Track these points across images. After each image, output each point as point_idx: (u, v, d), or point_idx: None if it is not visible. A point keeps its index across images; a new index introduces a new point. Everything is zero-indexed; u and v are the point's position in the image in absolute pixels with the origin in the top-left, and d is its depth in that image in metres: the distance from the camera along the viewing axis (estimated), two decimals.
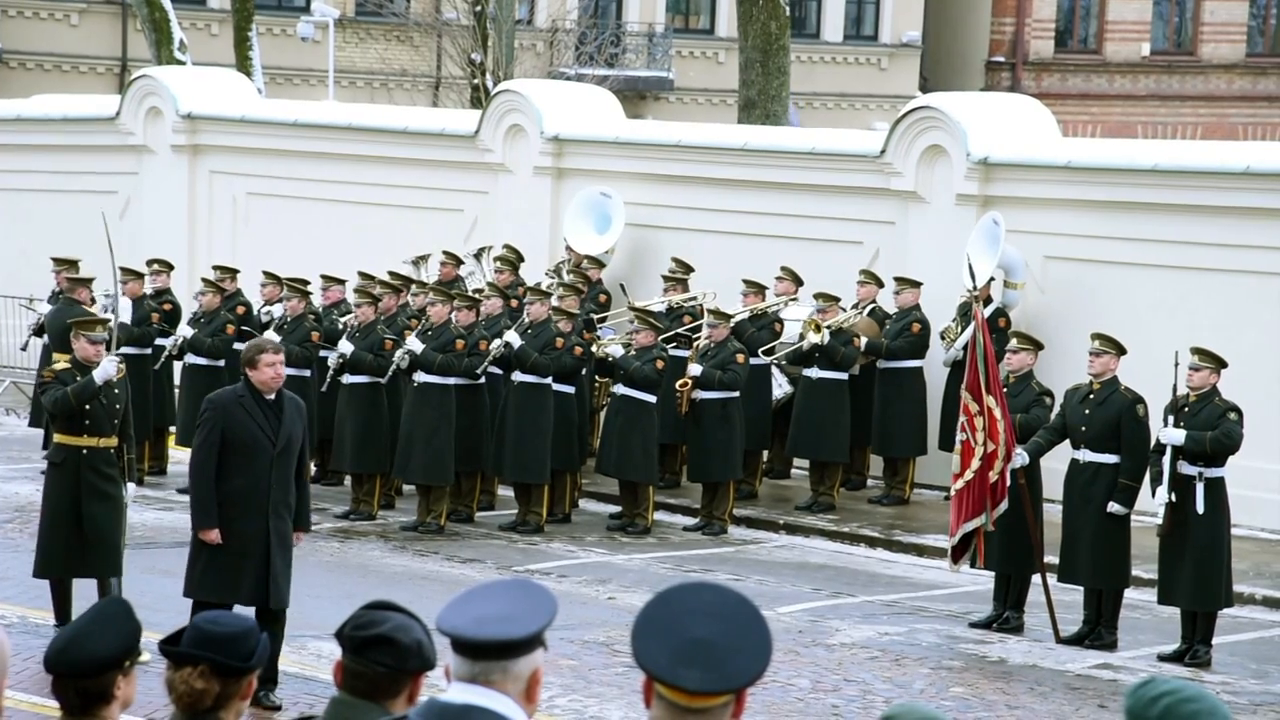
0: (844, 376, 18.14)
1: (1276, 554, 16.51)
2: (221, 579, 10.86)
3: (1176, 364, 13.31)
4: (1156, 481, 13.21)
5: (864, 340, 18.17)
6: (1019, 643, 13.66)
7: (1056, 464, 14.15)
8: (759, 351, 18.13)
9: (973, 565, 13.76)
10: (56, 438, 12.38)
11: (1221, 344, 14.01)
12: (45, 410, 13.12)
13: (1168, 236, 18.00)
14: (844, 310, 18.39)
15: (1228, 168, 17.88)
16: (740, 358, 17.43)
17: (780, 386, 18.68)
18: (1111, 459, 13.51)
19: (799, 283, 18.91)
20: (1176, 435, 13.09)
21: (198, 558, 11.02)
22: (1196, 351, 13.46)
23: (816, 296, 18.30)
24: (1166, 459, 13.12)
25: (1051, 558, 13.84)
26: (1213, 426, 13.11)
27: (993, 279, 18.11)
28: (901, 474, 18.55)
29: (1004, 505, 13.49)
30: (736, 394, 17.39)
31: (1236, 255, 17.64)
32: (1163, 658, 13.18)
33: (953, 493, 13.82)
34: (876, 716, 3.65)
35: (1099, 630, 13.56)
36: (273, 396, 10.78)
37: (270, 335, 17.26)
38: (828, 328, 17.93)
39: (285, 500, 10.86)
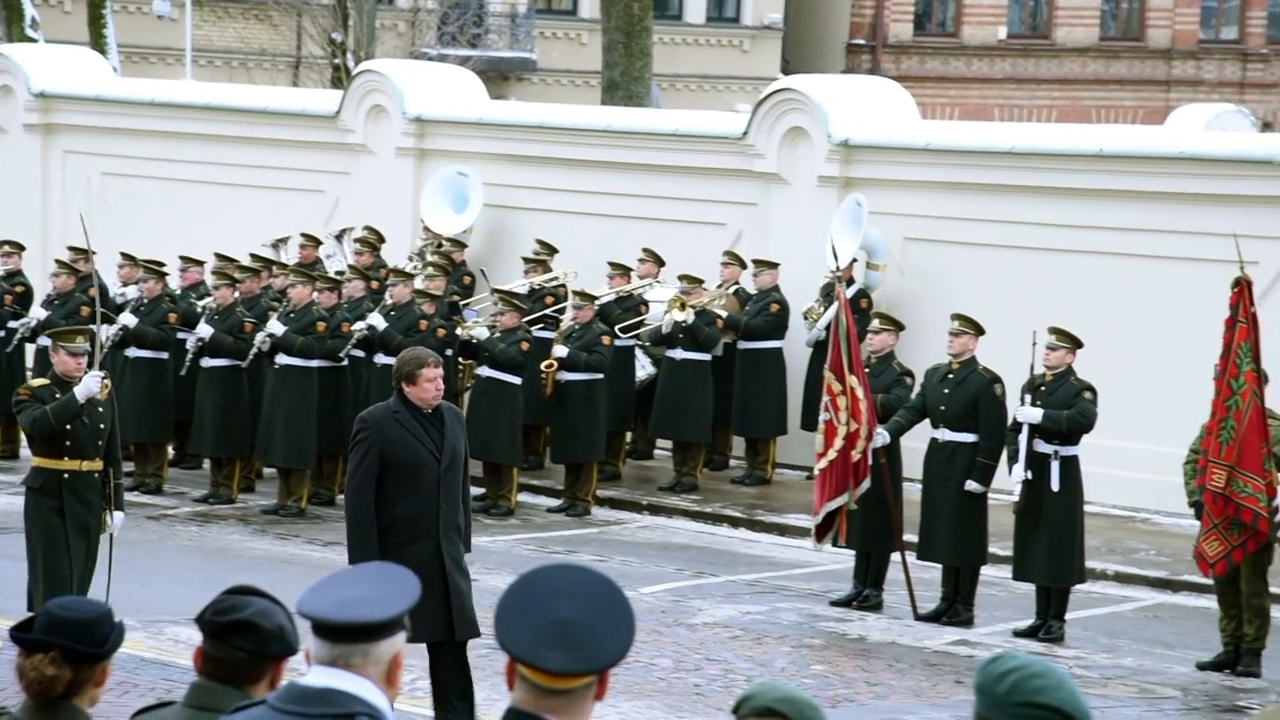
0: (706, 357, 18.22)
1: (1128, 530, 16.81)
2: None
3: (1034, 344, 13.50)
4: (1013, 460, 13.40)
5: (725, 316, 18.27)
6: (878, 620, 13.80)
7: (916, 443, 14.31)
8: (621, 332, 18.16)
9: (836, 544, 13.89)
10: (35, 461, 11.26)
11: (1077, 324, 14.22)
12: (23, 431, 11.96)
13: (1024, 218, 18.23)
14: (707, 291, 18.48)
15: (1081, 150, 18.15)
16: (606, 339, 17.47)
17: (643, 368, 18.74)
18: (970, 438, 13.68)
19: (661, 264, 18.97)
20: (1033, 414, 13.28)
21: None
22: (1053, 331, 13.66)
23: (680, 278, 18.37)
24: (1023, 437, 13.31)
25: (910, 536, 14.00)
26: (1068, 405, 13.31)
27: (855, 260, 18.26)
28: (763, 454, 18.67)
29: (866, 484, 13.63)
30: (601, 375, 17.43)
31: (1091, 236, 17.90)
32: (1018, 633, 13.38)
33: (816, 472, 13.94)
34: (737, 695, 3.69)
35: (956, 607, 13.73)
36: (430, 410, 9.82)
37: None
38: (692, 308, 18.00)
39: (455, 521, 9.84)
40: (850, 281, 17.74)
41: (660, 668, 12.15)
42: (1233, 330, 12.37)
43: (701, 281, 18.38)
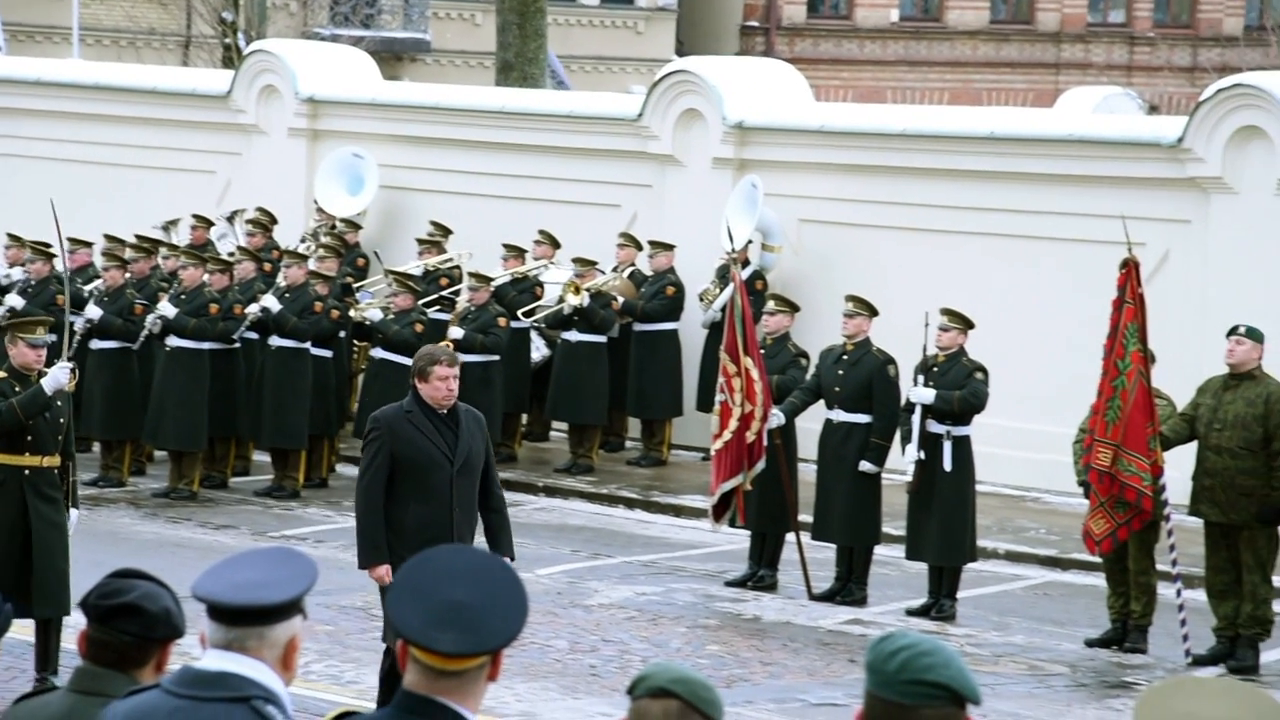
0: (602, 339, 18.23)
1: (1018, 510, 16.99)
2: None
3: (926, 325, 13.60)
4: (906, 440, 13.50)
5: (621, 301, 18.29)
6: (773, 600, 13.88)
7: (811, 424, 14.38)
8: (519, 314, 18.13)
9: (733, 524, 13.95)
10: None
11: (969, 305, 14.34)
12: None
13: (917, 200, 18.36)
14: (603, 273, 18.48)
15: (973, 132, 18.28)
16: (501, 321, 17.44)
17: (539, 350, 18.72)
18: (864, 419, 13.77)
19: (556, 245, 18.94)
20: (926, 394, 13.39)
21: (385, 604, 9.19)
22: (945, 312, 13.76)
23: (575, 260, 18.36)
24: (916, 418, 13.41)
25: (805, 516, 14.08)
26: (960, 386, 13.42)
27: (751, 242, 18.32)
28: (659, 435, 18.70)
29: (761, 464, 13.69)
30: (497, 357, 17.40)
31: (982, 218, 18.05)
32: (910, 612, 13.49)
33: (712, 453, 13.99)
34: (633, 676, 3.72)
35: (850, 586, 13.83)
36: (444, 410, 9.53)
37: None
38: (587, 290, 18.00)
39: (470, 525, 9.54)
40: (746, 263, 17.80)
41: (556, 649, 12.15)
42: (1120, 311, 12.51)
43: (596, 264, 18.38)
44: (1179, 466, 12.84)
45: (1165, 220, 16.93)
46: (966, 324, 13.71)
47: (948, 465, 13.37)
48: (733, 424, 13.65)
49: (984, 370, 13.53)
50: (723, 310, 16.15)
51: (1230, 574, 12.43)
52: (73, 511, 10.76)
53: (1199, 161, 17.01)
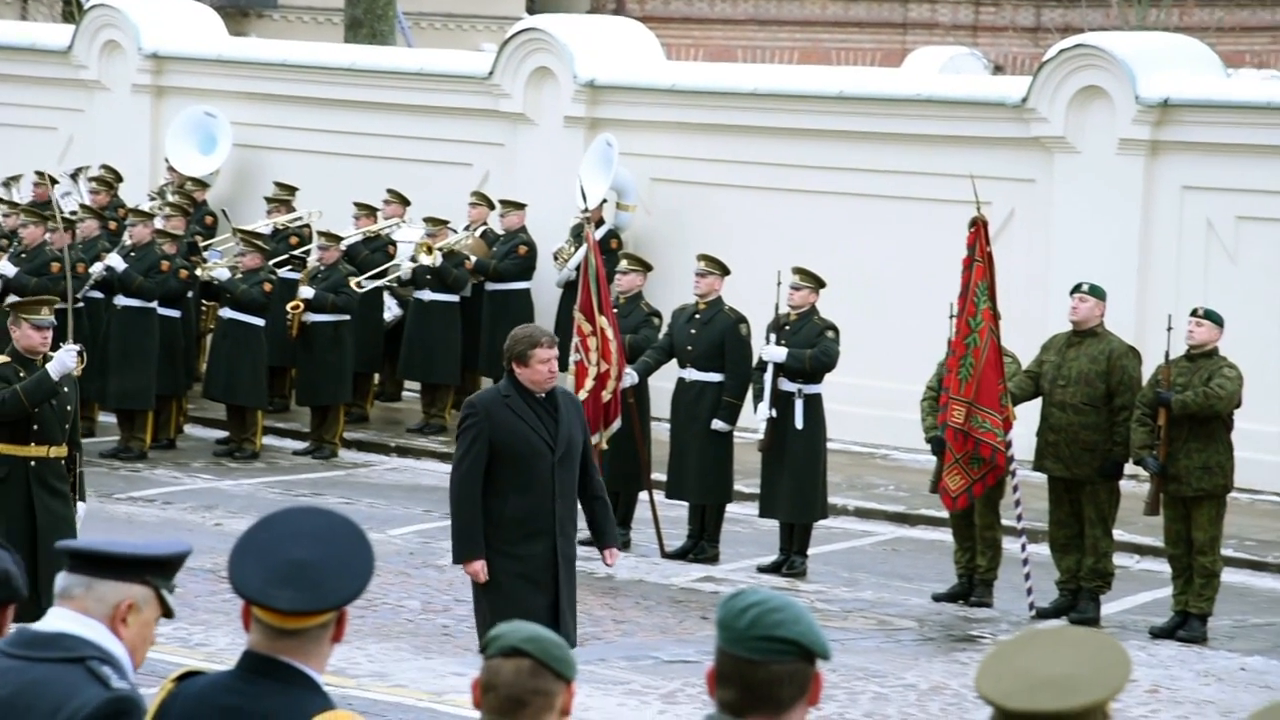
0: (455, 299, 18.16)
1: (867, 466, 17.16)
2: (514, 618, 9.07)
3: (778, 284, 13.67)
4: (758, 398, 13.58)
5: (474, 260, 18.22)
6: (626, 558, 13.90)
7: (664, 383, 14.43)
8: (362, 282, 17.99)
9: None
10: None
11: (820, 264, 14.43)
12: None
13: (768, 159, 18.43)
14: (454, 232, 18.39)
15: (823, 91, 18.38)
16: (352, 281, 17.32)
17: (391, 309, 18.61)
18: (716, 377, 13.83)
19: (406, 204, 18.82)
20: (778, 353, 13.47)
21: (480, 601, 9.04)
22: (797, 271, 13.84)
23: (426, 220, 18.26)
24: (768, 376, 13.49)
25: (658, 475, 14.13)
26: (812, 344, 13.52)
27: (605, 201, 18.31)
28: None
29: (617, 424, 13.71)
30: (348, 317, 17.28)
31: (832, 177, 18.16)
32: (761, 569, 13.59)
33: None
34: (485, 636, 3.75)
35: (702, 544, 13.90)
36: (543, 393, 8.97)
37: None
38: (439, 250, 17.91)
39: (571, 516, 9.00)
40: (600, 222, 17.79)
41: (408, 609, 12.12)
42: (970, 270, 12.65)
43: (447, 223, 18.28)
44: (1024, 423, 13.03)
45: (1010, 179, 17.13)
46: (818, 283, 13.80)
47: (799, 423, 13.47)
48: (589, 383, 13.66)
49: (835, 329, 13.63)
50: (577, 270, 16.14)
51: (1073, 528, 12.64)
52: (80, 505, 10.07)
53: (1043, 121, 17.22)
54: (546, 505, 8.85)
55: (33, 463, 9.87)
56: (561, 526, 8.86)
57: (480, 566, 8.89)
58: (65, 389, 9.94)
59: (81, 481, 10.10)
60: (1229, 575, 12.72)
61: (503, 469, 8.83)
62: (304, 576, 3.67)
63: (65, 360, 9.92)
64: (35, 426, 9.87)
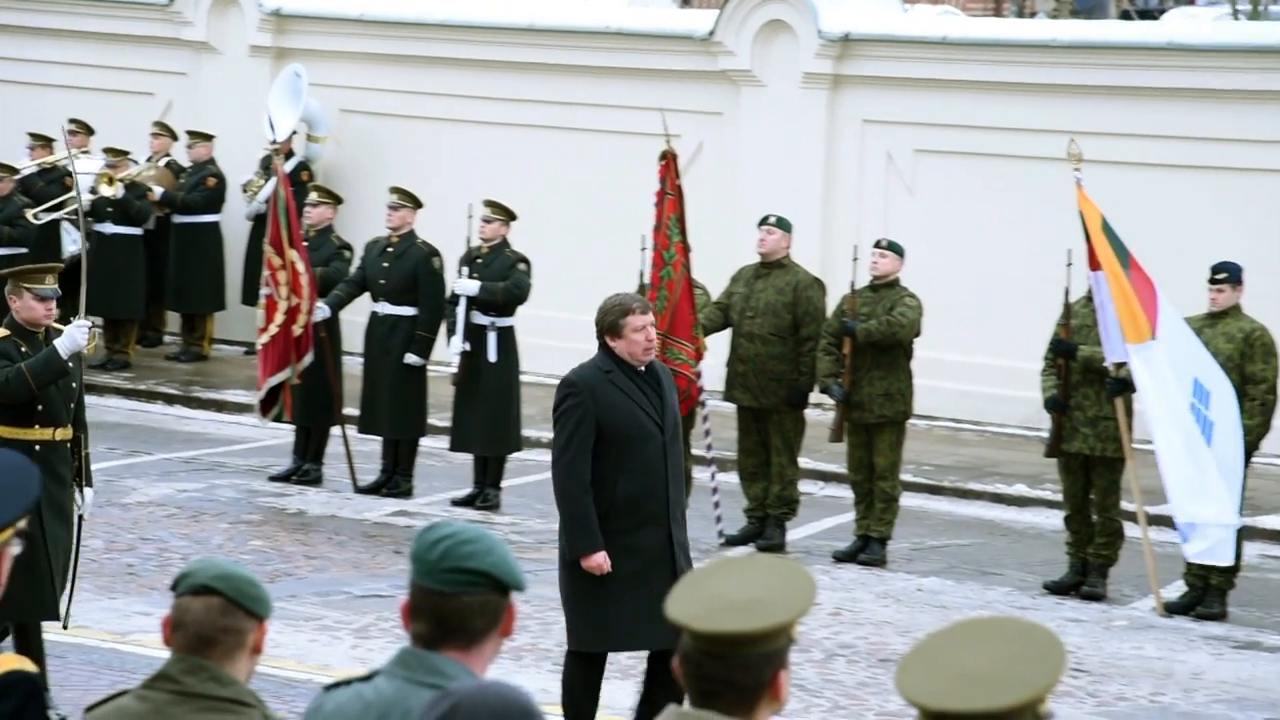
0: (138, 231, 17.75)
1: None
2: (632, 616, 7.93)
3: (469, 217, 13.64)
4: (451, 332, 13.56)
5: (159, 192, 17.83)
6: (318, 494, 13.82)
7: (356, 316, 14.31)
8: (45, 211, 17.48)
9: (280, 419, 13.82)
10: None
11: (512, 197, 14.41)
12: None
13: (460, 91, 18.36)
14: (136, 163, 17.96)
15: (513, 24, 18.29)
16: (29, 214, 16.81)
17: (74, 242, 18.11)
18: (409, 311, 13.76)
19: (90, 133, 18.32)
20: (470, 286, 13.45)
21: (585, 596, 8.15)
22: (489, 204, 13.82)
23: (106, 150, 17.79)
24: (460, 309, 13.47)
25: (351, 409, 14.03)
26: (504, 277, 13.53)
27: (295, 132, 18.04)
28: (200, 330, 18.36)
29: (309, 358, 13.57)
30: (25, 250, 16.76)
31: (523, 109, 18.14)
32: (455, 502, 13.61)
33: (259, 347, 13.81)
34: (174, 573, 3.68)
35: (396, 478, 13.86)
36: (644, 367, 8.19)
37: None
38: (120, 181, 17.48)
39: (682, 501, 8.26)
40: (289, 155, 17.52)
41: (91, 549, 11.84)
42: (662, 203, 12.78)
43: (128, 154, 17.85)
44: (714, 353, 13.23)
45: (698, 113, 17.32)
46: (509, 215, 13.80)
47: (492, 356, 13.48)
48: (279, 318, 13.49)
49: (527, 261, 13.66)
50: (267, 202, 15.90)
51: (760, 456, 12.89)
52: (87, 491, 9.15)
53: (729, 55, 17.44)
54: (659, 490, 8.09)
55: (37, 447, 8.90)
56: (675, 513, 8.13)
57: (602, 559, 8.04)
58: (71, 365, 9.00)
59: (87, 465, 9.19)
60: (907, 499, 13.12)
61: (609, 452, 8.05)
62: None
63: (76, 336, 8.96)
64: (40, 407, 8.96)
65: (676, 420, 8.17)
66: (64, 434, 9.04)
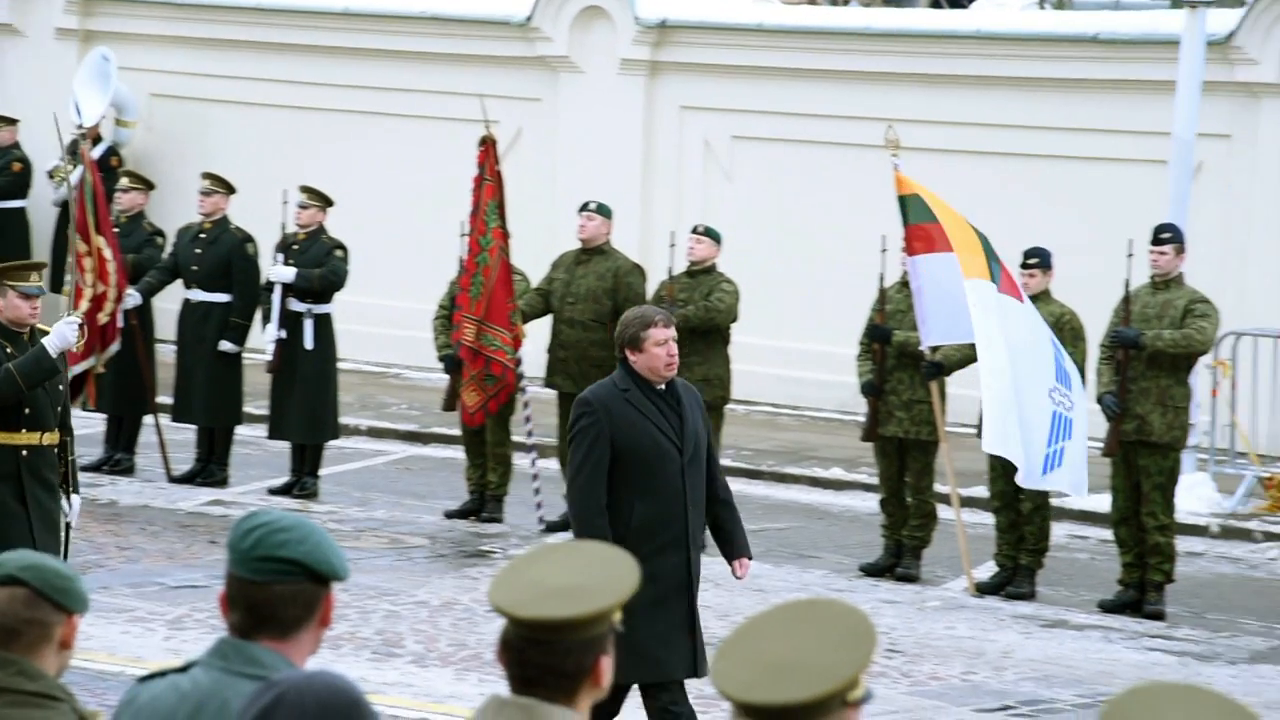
0: None
1: (380, 386, 17.16)
2: (651, 646, 7.51)
3: (285, 202, 13.50)
4: (266, 318, 13.41)
5: None
6: (130, 484, 13.61)
7: (169, 304, 14.11)
8: None
9: (85, 408, 13.56)
10: None
11: (328, 182, 14.28)
12: None
13: (274, 75, 18.17)
14: None
15: (328, 8, 18.14)
16: None
17: None
18: (223, 298, 13.59)
19: None
20: (286, 273, 13.31)
21: None
22: (304, 190, 13.69)
23: None
24: (276, 296, 13.33)
25: (165, 398, 13.83)
26: (320, 264, 13.41)
27: (104, 117, 17.73)
28: None
29: (115, 347, 13.35)
30: None
31: (341, 95, 17.99)
32: (272, 491, 13.47)
33: None
34: None
35: (210, 467, 13.69)
36: (664, 385, 7.79)
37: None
38: None
39: (701, 524, 7.86)
40: (98, 139, 17.23)
41: None
42: (481, 189, 12.73)
43: None
44: (534, 340, 13.21)
45: (517, 98, 17.29)
46: (326, 201, 13.67)
47: (309, 343, 13.36)
48: (84, 305, 13.25)
49: (344, 248, 13.54)
50: (75, 188, 15.59)
51: None
52: (74, 498, 8.83)
53: (547, 40, 17.42)
54: (677, 513, 7.71)
55: (24, 452, 8.61)
56: (694, 538, 7.78)
57: None
58: (59, 368, 8.76)
59: (74, 470, 8.87)
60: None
61: (625, 473, 7.69)
62: None
63: (66, 335, 8.71)
64: (27, 410, 8.60)
65: (698, 441, 7.78)
66: (51, 439, 8.71)
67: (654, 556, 7.51)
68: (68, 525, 8.83)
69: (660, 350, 7.71)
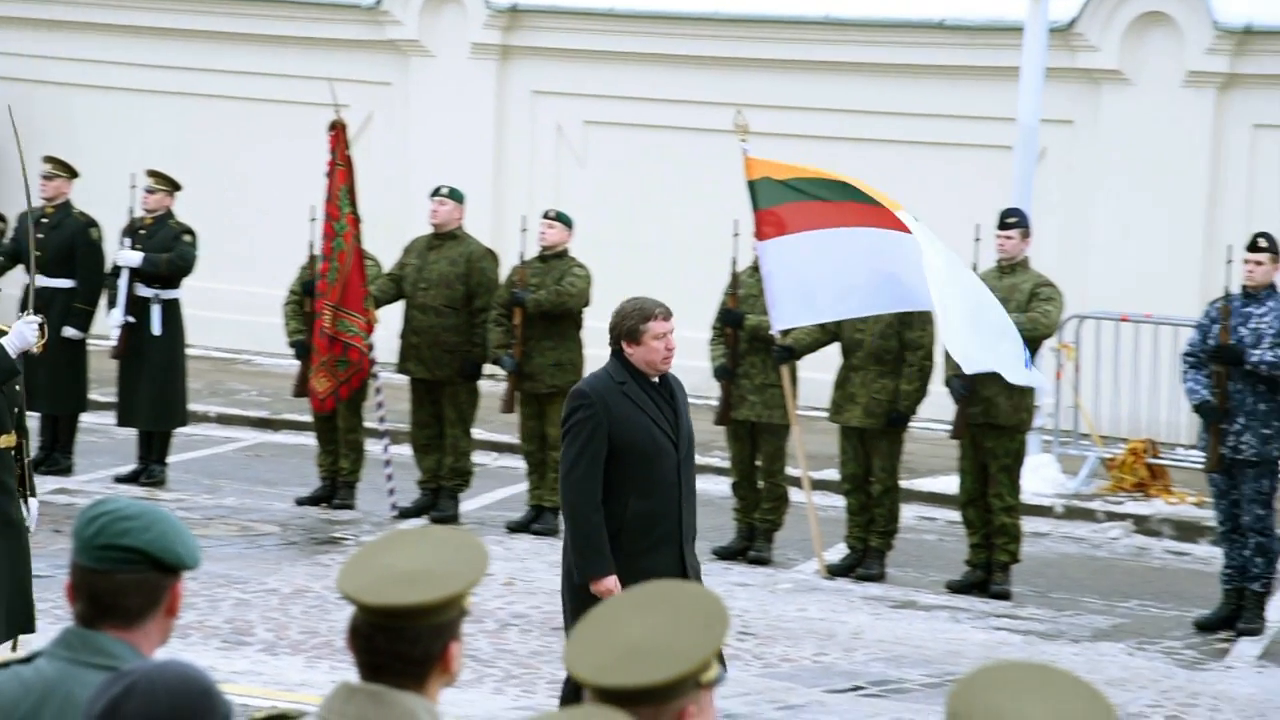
0: None
1: (230, 372, 17.00)
2: None
3: (132, 186, 13.33)
4: (112, 304, 13.25)
5: None
6: None
7: (10, 289, 13.89)
8: None
9: None
10: None
11: (179, 166, 14.13)
12: None
13: (120, 58, 17.95)
14: None
15: None
16: None
17: None
18: (67, 283, 13.40)
19: None
20: (133, 258, 13.15)
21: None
22: (152, 174, 13.52)
23: None
24: (123, 281, 13.17)
25: None
26: (168, 248, 13.27)
27: None
28: None
29: None
30: None
31: (188, 78, 17.80)
32: (119, 479, 13.32)
33: None
34: None
35: (55, 456, 13.50)
36: (658, 377, 7.67)
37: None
38: None
39: (694, 523, 7.69)
40: None
41: None
42: (332, 174, 12.65)
43: None
44: (386, 325, 13.15)
45: (367, 82, 17.20)
46: (173, 185, 13.53)
47: (157, 329, 13.21)
48: None
49: (192, 232, 13.41)
50: None
51: (434, 429, 12.87)
52: (31, 502, 8.46)
53: (397, 24, 17.34)
54: (672, 509, 7.55)
55: None
56: (687, 535, 7.62)
57: (613, 583, 7.40)
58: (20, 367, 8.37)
59: (29, 474, 8.50)
60: None
61: (621, 468, 7.51)
62: None
63: (26, 334, 8.38)
64: None
65: (691, 435, 7.68)
66: (8, 441, 8.40)
67: (649, 552, 7.47)
68: (26, 529, 8.45)
69: (659, 344, 7.66)
